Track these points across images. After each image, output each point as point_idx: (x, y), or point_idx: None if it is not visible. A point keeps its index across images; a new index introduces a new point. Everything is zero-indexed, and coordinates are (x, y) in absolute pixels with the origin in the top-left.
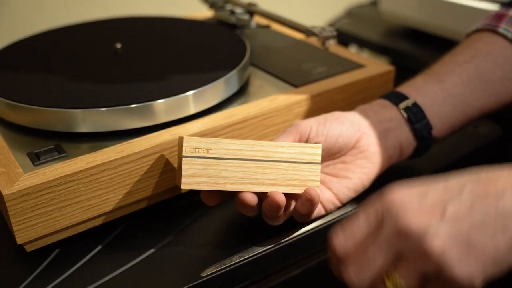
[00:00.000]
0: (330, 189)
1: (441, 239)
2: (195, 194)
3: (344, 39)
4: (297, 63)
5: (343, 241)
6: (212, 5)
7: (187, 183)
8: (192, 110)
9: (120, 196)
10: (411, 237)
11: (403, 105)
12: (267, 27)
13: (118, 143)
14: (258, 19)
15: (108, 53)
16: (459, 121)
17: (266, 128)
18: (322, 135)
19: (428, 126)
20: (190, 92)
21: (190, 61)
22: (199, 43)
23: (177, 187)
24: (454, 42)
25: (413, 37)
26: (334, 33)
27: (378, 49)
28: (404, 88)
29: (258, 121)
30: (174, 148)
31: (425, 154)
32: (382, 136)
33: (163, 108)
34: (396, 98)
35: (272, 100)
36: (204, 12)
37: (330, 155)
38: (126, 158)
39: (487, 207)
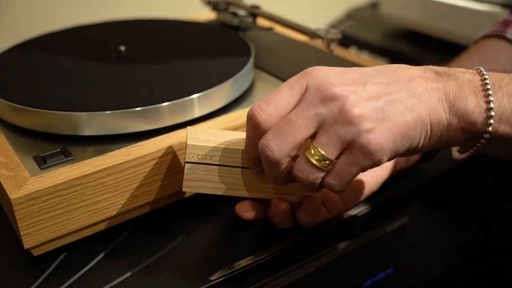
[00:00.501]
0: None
1: (360, 107)
2: (202, 197)
3: (344, 41)
4: (301, 65)
5: (267, 113)
6: (215, 7)
7: (189, 186)
8: (198, 113)
9: (127, 200)
10: (333, 102)
11: None
12: (270, 29)
13: (124, 146)
14: (260, 21)
15: (112, 56)
16: None
17: None
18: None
19: None
20: (195, 95)
21: (194, 63)
22: (203, 45)
23: None
24: (453, 44)
25: (412, 39)
26: (339, 35)
27: (378, 51)
28: None
29: None
30: (181, 151)
31: (431, 159)
32: None
33: (168, 111)
34: None
35: None
36: (206, 14)
37: None
38: (133, 162)
39: (399, 87)
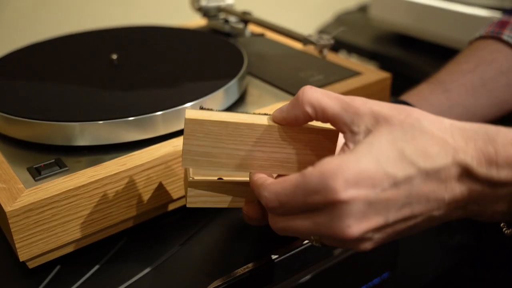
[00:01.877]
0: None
1: (371, 245)
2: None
3: (333, 45)
4: (294, 71)
5: (275, 203)
6: (205, 14)
7: (193, 202)
8: None
9: (123, 210)
10: (345, 242)
11: None
12: (262, 35)
13: (118, 156)
14: (252, 28)
15: (105, 64)
16: None
17: None
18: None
19: None
20: (189, 103)
21: (188, 71)
22: (196, 53)
23: (181, 198)
24: (442, 47)
25: (401, 42)
26: (332, 41)
27: (367, 54)
28: (410, 97)
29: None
30: (176, 160)
31: None
32: None
33: (162, 120)
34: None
35: (272, 109)
36: (197, 21)
37: None
38: (128, 171)
39: (421, 216)
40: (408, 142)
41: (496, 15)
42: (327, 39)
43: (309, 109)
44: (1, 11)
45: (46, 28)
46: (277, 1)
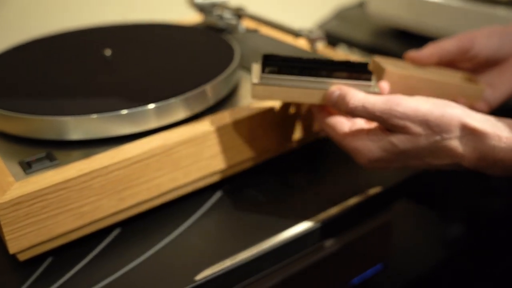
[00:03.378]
0: (483, 99)
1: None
2: (188, 198)
3: (333, 40)
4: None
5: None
6: (201, 10)
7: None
8: (183, 115)
9: (113, 202)
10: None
11: None
12: (255, 31)
13: (109, 149)
14: (247, 23)
15: (98, 60)
16: None
17: (256, 130)
18: (484, 47)
19: None
20: (181, 97)
21: (179, 66)
22: (188, 48)
23: (172, 191)
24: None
25: (401, 37)
26: (322, 35)
27: (366, 49)
28: None
29: (248, 124)
30: (167, 153)
31: None
32: None
33: (154, 113)
34: None
35: (262, 102)
36: (193, 17)
37: (488, 65)
38: (118, 164)
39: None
40: None
41: (494, 9)
42: (317, 33)
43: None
44: None
45: (39, 25)
46: None
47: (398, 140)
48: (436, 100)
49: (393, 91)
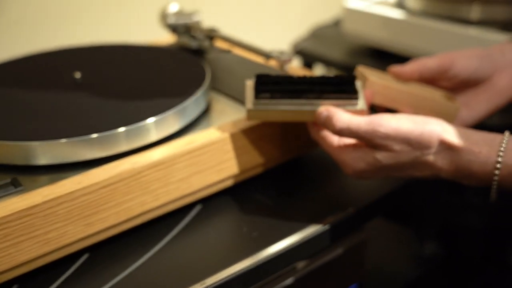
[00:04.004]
0: (458, 118)
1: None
2: (159, 221)
3: (309, 59)
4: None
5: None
6: (174, 31)
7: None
8: (153, 138)
9: (80, 228)
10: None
11: None
12: (228, 51)
13: (77, 174)
14: (221, 44)
15: (67, 83)
16: None
17: (226, 153)
18: (463, 68)
19: None
20: (150, 120)
21: (150, 88)
22: (159, 69)
23: (141, 215)
24: None
25: (376, 56)
26: (292, 56)
27: (342, 68)
28: None
29: (218, 147)
30: (135, 177)
31: None
32: None
33: (123, 137)
34: None
35: (232, 125)
36: (167, 38)
37: (466, 85)
38: (84, 190)
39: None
40: None
41: (466, 29)
42: (287, 55)
43: None
44: None
45: (8, 48)
46: (253, 16)
47: (381, 156)
48: (416, 118)
49: (375, 100)
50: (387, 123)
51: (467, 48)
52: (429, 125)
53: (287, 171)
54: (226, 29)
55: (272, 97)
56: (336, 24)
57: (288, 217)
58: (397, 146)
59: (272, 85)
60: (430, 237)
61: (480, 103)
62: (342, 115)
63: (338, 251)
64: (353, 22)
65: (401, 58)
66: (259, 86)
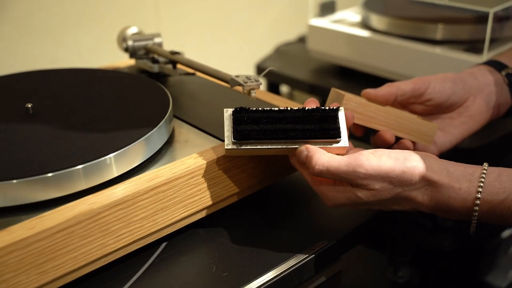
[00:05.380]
0: (435, 142)
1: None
2: (120, 262)
3: (274, 79)
4: (222, 113)
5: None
6: (133, 54)
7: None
8: (114, 174)
9: (33, 277)
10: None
11: (504, 71)
12: (193, 74)
13: (30, 217)
14: (182, 67)
15: (18, 114)
16: None
17: (194, 187)
18: (438, 92)
19: None
20: (110, 155)
21: (109, 118)
22: (118, 97)
23: (102, 258)
24: (381, 78)
25: (341, 74)
26: (260, 82)
27: (308, 88)
28: (502, 58)
29: (184, 181)
30: (94, 218)
31: None
32: (487, 98)
33: (80, 175)
34: (497, 65)
35: (198, 157)
36: (125, 61)
37: (440, 110)
38: (38, 235)
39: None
40: None
41: (431, 48)
42: (254, 80)
43: None
44: None
45: None
46: (217, 35)
47: (362, 194)
48: (397, 154)
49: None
50: (367, 163)
51: (431, 66)
52: (410, 162)
53: (259, 201)
54: (188, 48)
55: (252, 138)
56: (300, 40)
57: (261, 253)
58: (377, 185)
59: (251, 123)
60: (404, 262)
61: (455, 127)
62: (321, 157)
63: (315, 284)
64: (318, 40)
65: (366, 76)
66: (238, 125)
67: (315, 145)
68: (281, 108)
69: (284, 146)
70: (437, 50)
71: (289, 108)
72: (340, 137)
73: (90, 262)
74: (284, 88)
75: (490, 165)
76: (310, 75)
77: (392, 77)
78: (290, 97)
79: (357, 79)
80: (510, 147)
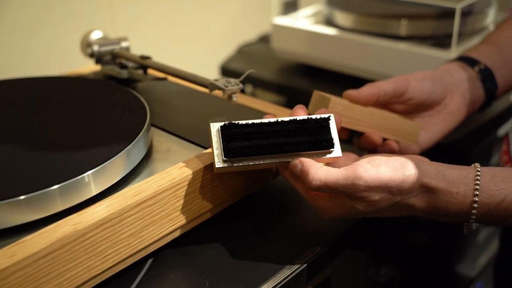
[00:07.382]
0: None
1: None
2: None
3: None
4: (202, 119)
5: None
6: (99, 60)
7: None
8: (92, 192)
9: None
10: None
11: (477, 67)
12: (165, 79)
13: (7, 244)
14: (154, 72)
15: None
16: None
17: (180, 199)
18: (419, 91)
19: (495, 86)
20: (87, 173)
21: (82, 132)
22: (90, 107)
23: (89, 281)
24: (346, 76)
25: (306, 73)
26: (241, 85)
27: (273, 88)
28: (473, 54)
29: (170, 193)
30: (79, 240)
31: (486, 110)
32: (463, 95)
33: (56, 195)
34: (469, 61)
35: (183, 166)
36: (89, 67)
37: (421, 108)
38: (19, 264)
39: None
40: None
41: (396, 43)
42: (235, 83)
43: None
44: None
45: None
46: (177, 37)
47: (360, 206)
48: (394, 162)
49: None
50: (366, 174)
51: (397, 62)
52: (407, 170)
53: (244, 209)
54: (146, 51)
55: (245, 155)
56: (262, 39)
57: (254, 264)
58: (377, 196)
59: (243, 140)
60: (385, 262)
61: (435, 125)
62: (318, 172)
63: None
64: (282, 39)
65: (333, 74)
66: (228, 142)
67: (308, 157)
68: (271, 121)
69: (277, 160)
70: (402, 46)
71: (279, 120)
72: (333, 147)
73: (76, 286)
74: (247, 88)
75: (461, 159)
76: (276, 74)
77: (358, 73)
78: (253, 96)
79: (324, 78)
80: (476, 140)
